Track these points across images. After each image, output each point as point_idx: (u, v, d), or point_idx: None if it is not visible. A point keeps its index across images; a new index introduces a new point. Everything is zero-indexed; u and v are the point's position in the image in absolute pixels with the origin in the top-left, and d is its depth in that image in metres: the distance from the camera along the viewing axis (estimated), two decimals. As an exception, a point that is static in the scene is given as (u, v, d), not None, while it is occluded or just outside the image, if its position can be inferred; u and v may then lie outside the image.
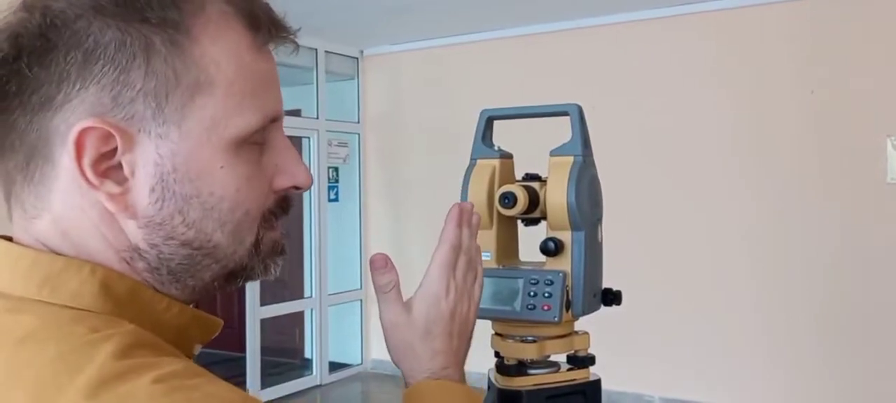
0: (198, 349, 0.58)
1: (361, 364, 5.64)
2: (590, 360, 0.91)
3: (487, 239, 0.90)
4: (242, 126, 0.53)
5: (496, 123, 0.96)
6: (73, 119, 0.50)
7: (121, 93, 0.50)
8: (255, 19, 0.55)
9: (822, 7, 4.12)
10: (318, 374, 5.29)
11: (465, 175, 0.92)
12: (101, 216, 0.52)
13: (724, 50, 4.36)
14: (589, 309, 0.88)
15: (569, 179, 0.85)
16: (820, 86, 4.14)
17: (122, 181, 0.51)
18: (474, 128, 0.94)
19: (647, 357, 4.59)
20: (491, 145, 0.93)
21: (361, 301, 5.65)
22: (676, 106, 4.48)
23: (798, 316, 4.18)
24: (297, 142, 5.37)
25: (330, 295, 5.42)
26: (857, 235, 3.99)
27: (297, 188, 0.59)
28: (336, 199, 5.62)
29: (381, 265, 0.69)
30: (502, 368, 0.89)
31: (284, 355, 5.62)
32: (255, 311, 4.94)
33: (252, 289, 4.91)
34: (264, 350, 4.94)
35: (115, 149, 0.51)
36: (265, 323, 5.03)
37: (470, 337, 0.72)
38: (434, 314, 0.69)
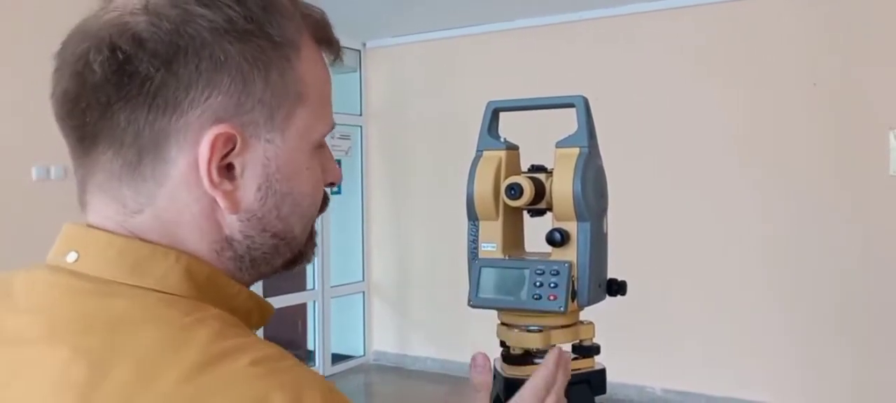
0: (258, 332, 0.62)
1: (364, 355, 5.66)
2: (595, 349, 0.92)
3: (493, 230, 0.91)
4: (322, 131, 0.61)
5: (502, 115, 0.97)
6: (197, 123, 0.54)
7: (243, 101, 0.55)
8: (328, 41, 0.63)
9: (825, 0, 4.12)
10: (320, 366, 5.31)
11: (472, 166, 0.93)
12: (202, 211, 0.56)
13: (727, 42, 4.36)
14: (594, 299, 0.89)
15: (575, 170, 0.86)
16: (822, 79, 4.14)
17: (233, 179, 0.56)
18: (477, 121, 0.95)
19: (649, 349, 4.60)
20: (497, 137, 0.94)
21: (364, 293, 5.67)
22: (681, 98, 4.48)
23: (802, 308, 4.19)
24: (299, 134, 5.38)
25: (332, 287, 5.44)
26: (860, 228, 3.99)
27: (332, 184, 0.66)
28: (338, 192, 5.62)
29: (481, 363, 0.78)
30: (508, 357, 0.89)
31: (287, 346, 5.50)
32: (258, 303, 4.95)
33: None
34: (267, 342, 4.96)
35: (231, 151, 0.55)
36: (268, 315, 5.04)
37: None
38: None
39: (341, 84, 5.51)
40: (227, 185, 0.56)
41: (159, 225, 0.55)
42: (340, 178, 0.67)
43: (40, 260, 0.61)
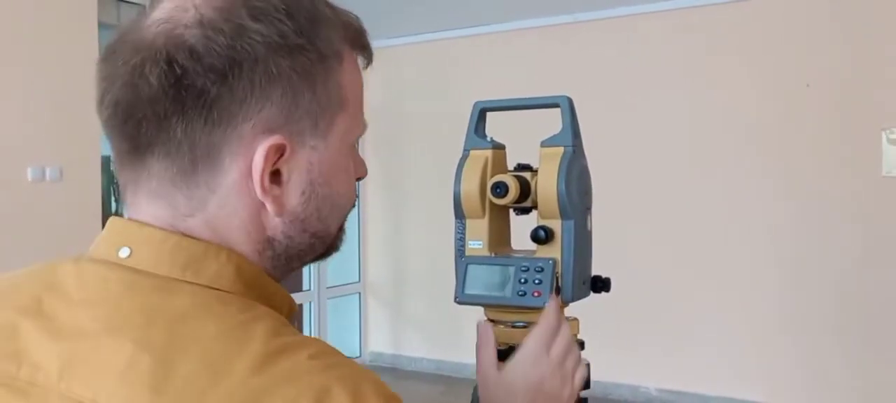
0: None
1: (360, 356, 5.67)
2: (580, 345, 0.93)
3: (480, 228, 0.93)
4: (358, 134, 0.65)
5: (491, 115, 0.99)
6: (251, 134, 0.56)
7: (292, 113, 0.57)
8: (364, 47, 0.65)
9: (818, 1, 4.14)
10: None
11: (459, 165, 0.94)
12: (250, 215, 0.58)
13: (721, 43, 4.39)
14: (578, 295, 0.91)
15: (559, 169, 0.88)
16: (816, 81, 4.16)
17: (279, 184, 0.58)
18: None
19: (644, 348, 4.62)
20: (484, 136, 0.96)
21: (360, 294, 5.68)
22: (675, 99, 4.50)
23: (797, 307, 4.22)
24: (295, 135, 5.40)
25: (328, 288, 5.45)
26: (855, 228, 4.01)
27: (360, 178, 0.69)
28: (335, 193, 5.64)
29: (486, 327, 0.81)
30: (494, 353, 0.91)
31: None
32: (254, 304, 4.97)
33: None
34: (263, 343, 4.97)
35: (280, 158, 0.57)
36: (264, 316, 5.06)
37: None
38: (520, 380, 0.76)
39: (337, 85, 5.53)
40: (276, 190, 0.58)
41: (209, 230, 0.58)
42: (367, 172, 0.70)
43: (37, 260, 0.62)
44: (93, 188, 3.51)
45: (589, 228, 0.93)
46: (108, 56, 0.57)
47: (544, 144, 0.91)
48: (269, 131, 0.56)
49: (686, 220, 4.50)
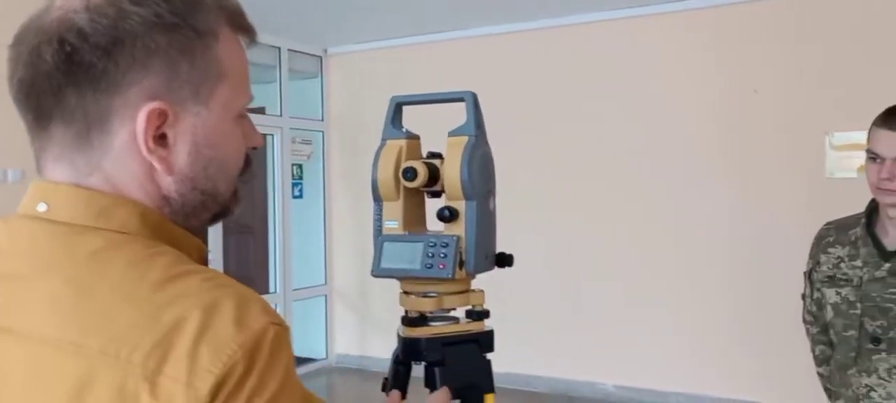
0: None
1: (326, 358, 5.73)
2: (485, 314, 1.04)
3: (395, 210, 1.03)
4: (242, 104, 0.73)
5: (410, 109, 1.09)
6: (134, 100, 0.65)
7: (172, 81, 0.66)
8: (244, 27, 0.74)
9: (766, 10, 4.31)
10: (282, 368, 5.36)
11: (376, 154, 1.04)
12: (144, 173, 0.68)
13: (675, 49, 4.54)
14: (481, 268, 1.01)
15: (462, 156, 0.98)
16: (762, 86, 4.33)
17: (166, 147, 0.67)
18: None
19: (601, 346, 4.75)
20: (399, 127, 1.06)
21: (326, 296, 5.75)
22: (627, 104, 4.65)
23: (750, 303, 4.37)
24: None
25: (294, 290, 5.51)
26: (800, 227, 4.16)
27: (255, 147, 0.77)
28: (300, 196, 5.71)
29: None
30: (406, 320, 1.01)
31: None
32: (220, 306, 5.01)
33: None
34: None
35: (164, 123, 0.66)
36: (230, 318, 5.10)
37: None
38: None
39: (303, 90, 5.61)
40: (162, 152, 0.67)
41: (109, 186, 0.67)
42: (261, 142, 0.79)
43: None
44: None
45: (492, 209, 1.03)
46: (16, 42, 0.68)
47: (451, 134, 1.01)
48: (152, 98, 0.65)
49: (641, 222, 4.65)
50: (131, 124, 0.65)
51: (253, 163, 0.78)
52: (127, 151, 0.66)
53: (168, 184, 0.69)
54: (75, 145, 0.66)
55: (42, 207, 0.67)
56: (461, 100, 1.02)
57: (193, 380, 0.57)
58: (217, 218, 0.76)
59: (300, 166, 5.69)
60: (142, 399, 0.57)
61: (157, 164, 0.67)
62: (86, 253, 0.64)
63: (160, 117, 0.66)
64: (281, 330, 0.62)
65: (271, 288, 5.45)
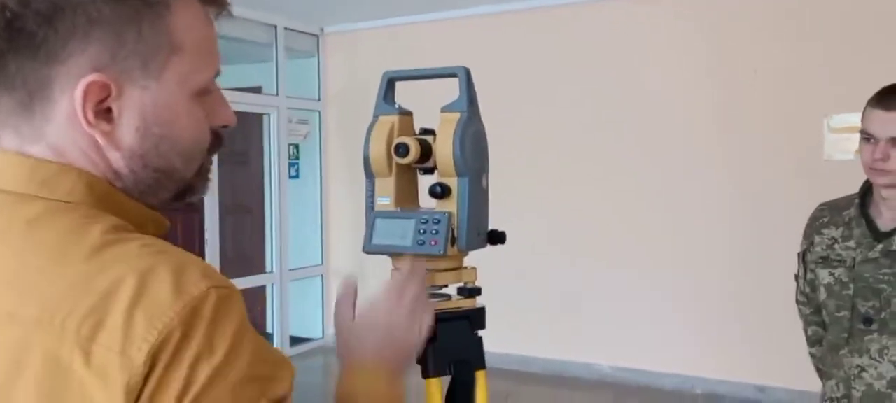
0: None
1: (322, 338, 5.75)
2: (476, 291, 1.03)
3: (387, 186, 1.03)
4: (201, 81, 0.69)
5: (403, 85, 1.08)
6: (76, 71, 0.62)
7: (117, 53, 0.63)
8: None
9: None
10: (279, 347, 5.38)
11: (368, 129, 1.04)
12: (90, 145, 0.66)
13: (674, 30, 4.52)
14: (473, 245, 1.00)
15: (455, 132, 0.98)
16: (763, 67, 4.32)
17: (110, 121, 0.65)
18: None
19: (596, 327, 4.77)
20: (392, 103, 1.05)
21: (322, 276, 5.76)
22: (628, 84, 4.63)
23: (746, 286, 4.38)
24: (257, 118, 5.44)
25: (291, 270, 5.52)
26: (797, 209, 4.17)
27: (225, 126, 0.75)
28: (297, 176, 5.69)
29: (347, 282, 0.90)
30: (397, 297, 1.00)
31: None
32: (216, 285, 5.01)
33: (213, 263, 4.98)
34: (225, 324, 5.01)
35: (108, 97, 0.64)
36: (226, 297, 5.11)
37: (406, 356, 0.87)
38: (369, 320, 0.85)
39: (299, 69, 5.58)
40: (105, 126, 0.65)
41: (55, 154, 0.65)
42: (233, 121, 0.74)
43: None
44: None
45: (484, 186, 1.03)
46: None
47: (443, 110, 1.01)
48: (95, 70, 0.63)
49: (638, 203, 4.65)
50: (72, 95, 0.63)
51: (225, 140, 0.75)
52: (70, 122, 0.64)
53: (116, 158, 0.66)
54: (19, 113, 0.65)
55: None
56: (454, 75, 1.01)
57: (128, 349, 0.55)
58: (182, 196, 0.73)
59: (297, 146, 5.67)
60: (75, 367, 0.55)
61: (100, 139, 0.65)
62: (23, 221, 0.62)
63: (103, 90, 0.63)
64: (225, 293, 0.59)
65: (268, 268, 5.46)
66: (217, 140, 0.74)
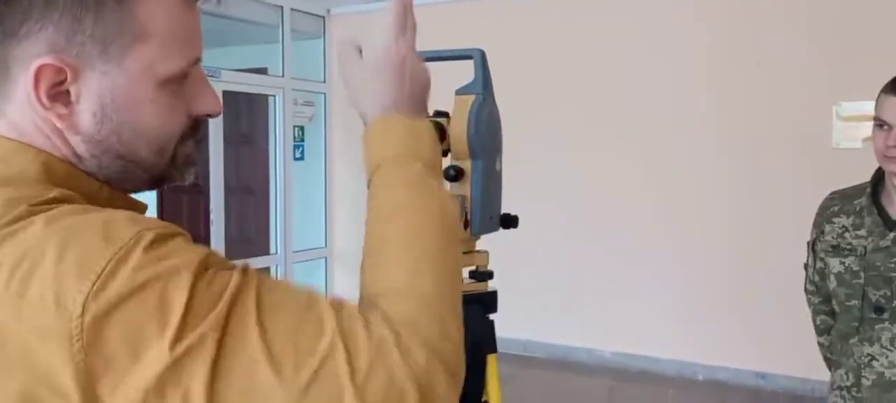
0: None
1: (326, 319, 5.76)
2: (488, 275, 1.03)
3: (400, 168, 1.01)
4: (171, 69, 0.66)
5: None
6: (33, 50, 0.61)
7: (74, 35, 0.61)
8: None
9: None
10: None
11: (381, 111, 1.02)
12: (50, 128, 0.65)
13: (676, 18, 4.49)
14: (486, 229, 0.99)
15: (469, 115, 0.96)
16: (768, 57, 4.29)
17: (68, 104, 0.63)
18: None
19: (599, 313, 4.77)
20: (405, 85, 1.03)
21: (326, 258, 5.76)
22: (637, 68, 4.61)
23: (748, 273, 4.38)
24: (263, 100, 5.42)
25: (295, 252, 5.52)
26: (805, 198, 4.15)
27: (208, 115, 0.72)
28: (302, 158, 5.69)
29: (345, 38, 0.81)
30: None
31: None
32: (220, 266, 5.02)
33: (217, 245, 4.99)
34: (229, 304, 5.02)
35: (65, 80, 0.62)
36: (230, 278, 5.12)
37: (425, 86, 0.79)
38: (383, 56, 0.77)
39: (305, 50, 5.56)
40: (61, 109, 0.63)
41: (15, 132, 0.65)
42: (216, 109, 0.71)
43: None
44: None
45: (498, 169, 1.02)
46: None
47: (458, 92, 1.00)
48: (51, 52, 0.61)
49: (643, 190, 4.63)
50: (28, 75, 0.62)
51: (201, 127, 0.72)
52: (29, 102, 0.63)
53: (77, 143, 0.65)
54: None
55: None
56: (469, 57, 1.00)
57: (63, 301, 0.53)
58: (158, 182, 0.71)
59: (302, 128, 5.66)
60: (10, 325, 0.54)
61: (56, 121, 0.63)
62: None
63: (58, 73, 0.62)
64: (160, 230, 0.57)
65: (272, 250, 5.47)
66: (194, 127, 0.71)
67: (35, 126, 0.64)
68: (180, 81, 0.68)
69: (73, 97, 0.63)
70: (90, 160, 0.66)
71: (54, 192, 0.61)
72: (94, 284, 0.53)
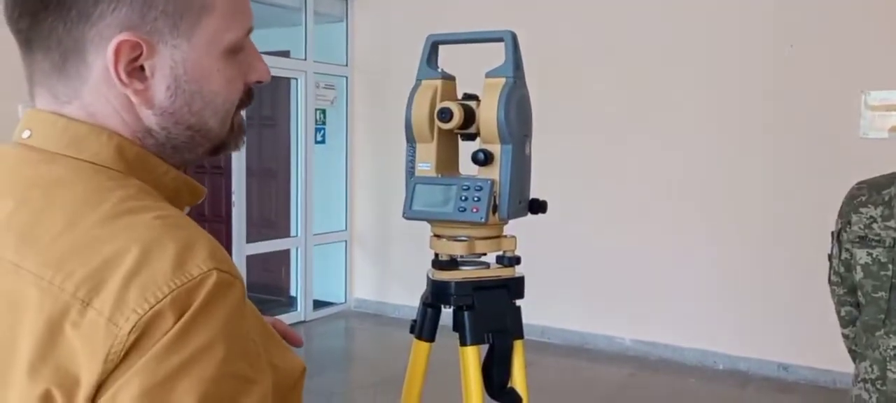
0: (186, 210, 0.74)
1: (345, 302, 5.79)
2: (516, 260, 1.02)
3: (428, 152, 1.01)
4: (232, 39, 0.70)
5: (443, 49, 1.06)
6: (107, 32, 0.64)
7: (147, 12, 0.64)
8: None
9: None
10: (302, 311, 5.45)
11: (410, 93, 1.02)
12: (122, 105, 0.67)
13: (714, 3, 4.43)
14: (515, 213, 0.99)
15: (499, 98, 0.96)
16: (798, 41, 4.22)
17: (143, 80, 0.66)
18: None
19: (620, 301, 4.75)
20: (435, 67, 1.03)
21: (346, 242, 5.78)
22: (657, 53, 4.56)
23: (773, 263, 4.33)
24: (285, 83, 5.44)
25: (315, 235, 5.55)
26: (831, 187, 4.10)
27: (260, 82, 0.75)
28: (323, 141, 5.70)
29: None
30: (437, 263, 1.00)
31: (270, 292, 5.77)
32: (242, 248, 5.07)
33: (239, 227, 5.03)
34: (250, 286, 5.06)
35: (140, 55, 0.65)
36: (252, 260, 5.16)
37: None
38: None
39: (327, 34, 5.56)
40: (138, 85, 0.66)
41: (87, 115, 0.67)
42: (267, 76, 0.75)
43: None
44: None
45: (527, 153, 1.01)
46: None
47: (488, 75, 0.99)
48: (126, 29, 0.64)
49: (669, 176, 4.60)
50: (105, 55, 0.64)
51: (254, 95, 0.76)
52: (104, 82, 0.65)
53: (148, 117, 0.67)
54: (54, 73, 0.66)
55: (25, 134, 0.67)
56: (500, 39, 0.99)
57: (116, 317, 0.55)
58: (216, 151, 0.74)
59: (323, 111, 5.67)
60: (66, 329, 0.56)
61: (133, 97, 0.66)
62: (48, 180, 0.64)
63: (134, 49, 0.64)
64: (227, 279, 0.58)
65: (293, 232, 5.50)
66: (248, 95, 0.74)
67: (108, 105, 0.66)
68: (237, 51, 0.71)
69: (148, 72, 0.66)
70: (160, 132, 0.68)
71: (136, 186, 0.64)
72: (151, 307, 0.55)
